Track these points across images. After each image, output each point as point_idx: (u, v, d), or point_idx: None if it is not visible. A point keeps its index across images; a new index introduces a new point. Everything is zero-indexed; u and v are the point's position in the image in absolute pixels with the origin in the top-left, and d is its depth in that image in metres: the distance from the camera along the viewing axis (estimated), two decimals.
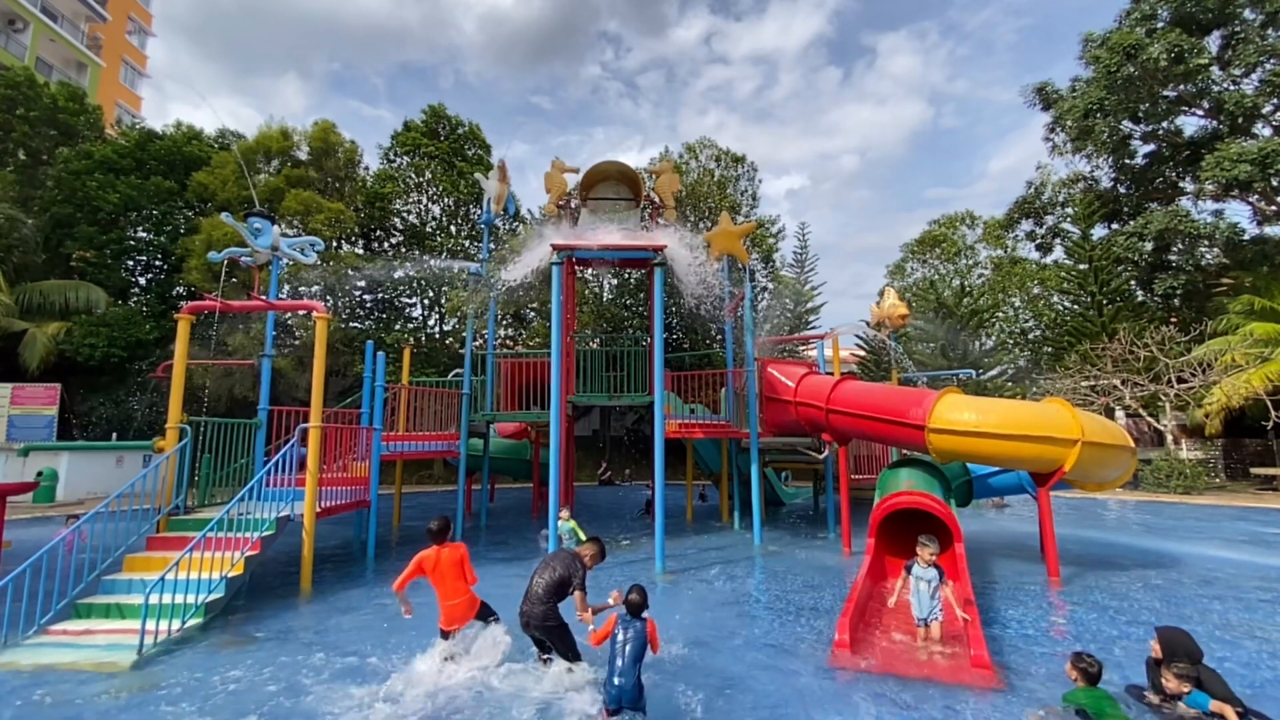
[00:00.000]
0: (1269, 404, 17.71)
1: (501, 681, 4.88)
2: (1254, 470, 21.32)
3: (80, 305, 21.34)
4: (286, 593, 7.66)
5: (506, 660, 5.14)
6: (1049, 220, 30.70)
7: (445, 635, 5.33)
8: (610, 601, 4.77)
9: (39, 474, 16.30)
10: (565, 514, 9.10)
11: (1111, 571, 8.89)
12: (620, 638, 4.23)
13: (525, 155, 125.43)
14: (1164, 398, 20.58)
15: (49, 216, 22.70)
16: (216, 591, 6.57)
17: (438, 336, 25.98)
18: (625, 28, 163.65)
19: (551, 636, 4.91)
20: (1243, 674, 5.07)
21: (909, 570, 5.89)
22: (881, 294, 18.64)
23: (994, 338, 32.83)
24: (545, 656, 5.06)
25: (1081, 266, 25.60)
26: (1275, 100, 22.31)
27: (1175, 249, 24.86)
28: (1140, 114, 25.43)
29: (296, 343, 22.55)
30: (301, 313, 21.03)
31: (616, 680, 4.10)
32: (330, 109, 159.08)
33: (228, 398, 20.44)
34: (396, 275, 24.40)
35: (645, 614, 4.42)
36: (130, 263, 24.59)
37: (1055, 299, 29.78)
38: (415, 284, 25.49)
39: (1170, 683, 4.01)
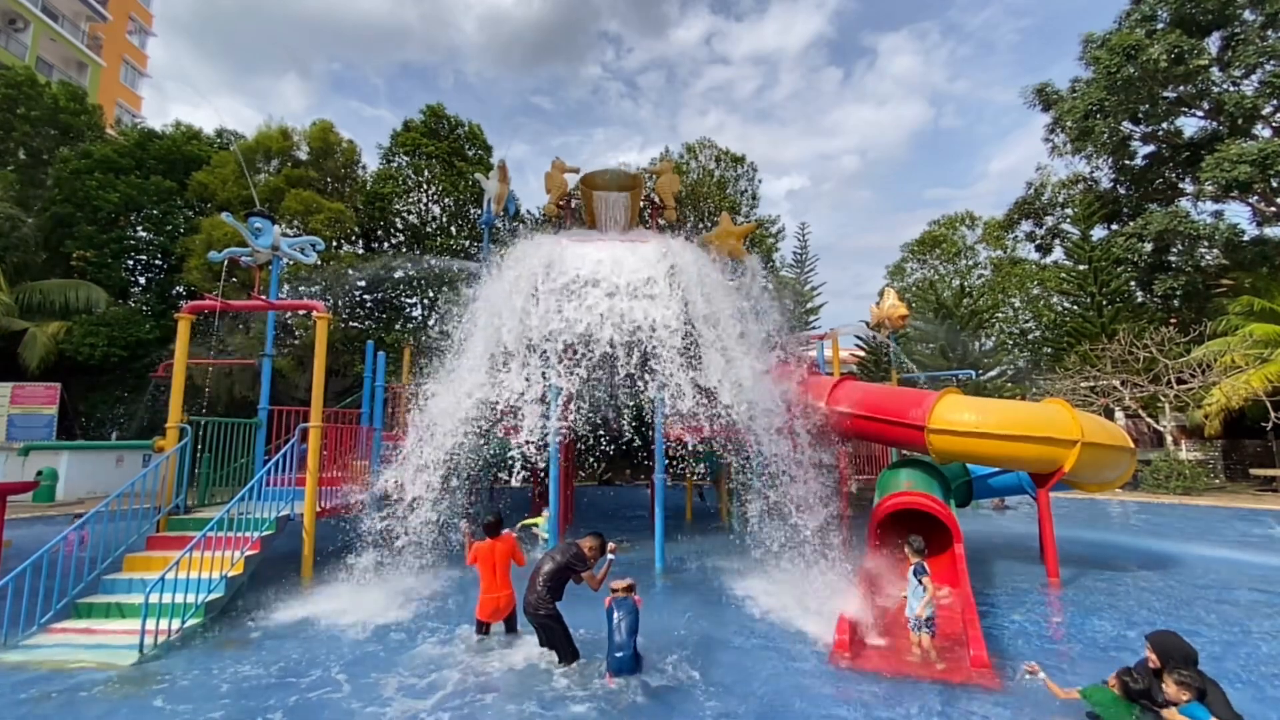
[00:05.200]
0: (1268, 405, 17.70)
1: (516, 676, 4.99)
2: (1253, 471, 21.30)
3: (80, 305, 21.33)
4: (287, 592, 7.66)
5: (527, 660, 5.30)
6: (1049, 221, 30.69)
7: (482, 627, 5.67)
8: (609, 557, 5.49)
9: (39, 473, 16.29)
10: (545, 515, 9.05)
11: (1111, 573, 8.90)
12: (615, 616, 4.79)
13: (525, 155, 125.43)
14: (1163, 399, 20.57)
15: (49, 216, 22.69)
16: (217, 591, 6.57)
17: (437, 336, 25.99)
18: (626, 28, 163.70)
19: (547, 630, 5.11)
20: (1241, 674, 5.08)
21: None
22: (881, 294, 18.64)
23: (994, 338, 32.84)
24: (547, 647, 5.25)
25: (1081, 267, 25.60)
26: (1275, 101, 22.30)
27: (1175, 250, 24.86)
28: (1140, 115, 25.43)
29: (296, 342, 22.55)
30: (301, 312, 21.03)
31: (617, 654, 4.72)
32: (330, 109, 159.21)
33: (228, 397, 20.44)
34: (397, 275, 24.41)
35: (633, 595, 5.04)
36: (130, 262, 24.57)
37: (1055, 300, 29.77)
38: (415, 284, 25.49)
39: (1170, 688, 3.81)
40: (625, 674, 4.74)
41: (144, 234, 24.33)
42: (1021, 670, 4.47)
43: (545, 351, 7.83)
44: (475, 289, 9.18)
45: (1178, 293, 24.13)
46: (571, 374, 7.79)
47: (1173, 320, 23.96)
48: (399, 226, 26.76)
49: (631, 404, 11.00)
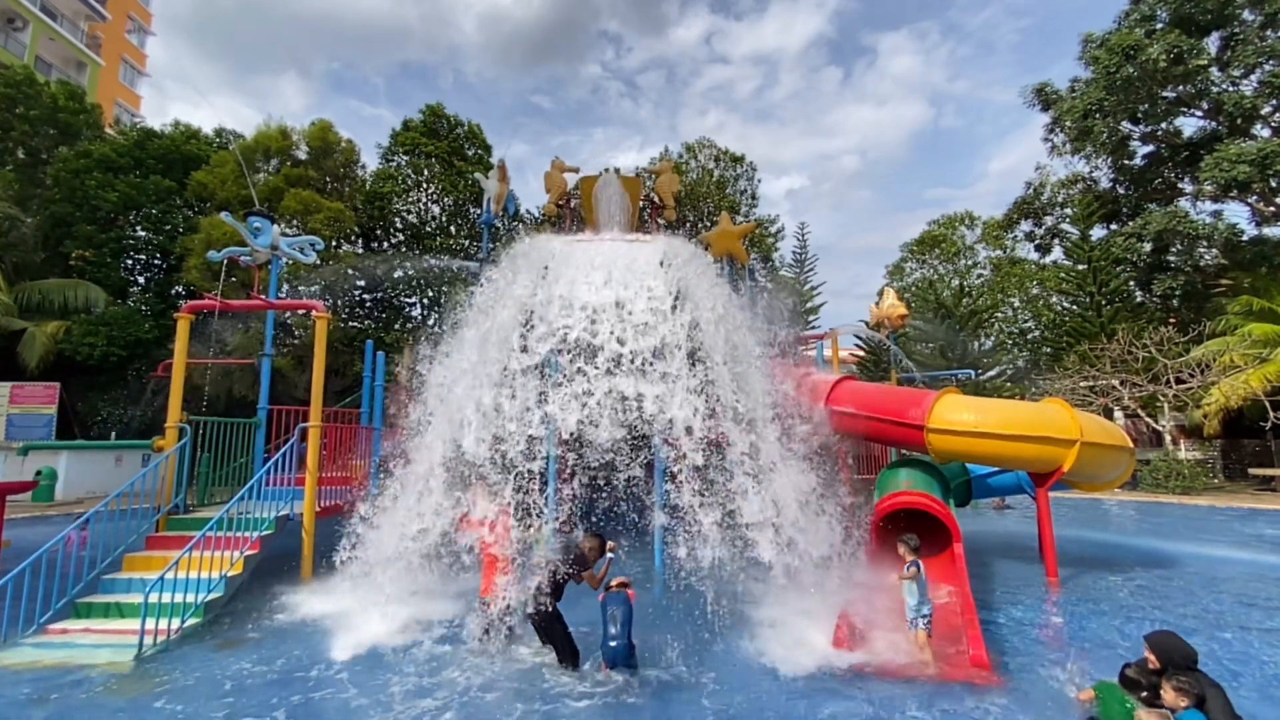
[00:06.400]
0: (1267, 405, 17.72)
1: (518, 674, 5.03)
2: (1252, 471, 21.32)
3: (79, 304, 21.30)
4: (287, 592, 7.65)
5: (529, 658, 5.34)
6: (1048, 221, 30.73)
7: (485, 605, 5.64)
8: (609, 556, 5.50)
9: (38, 473, 16.26)
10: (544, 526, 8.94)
11: (1110, 572, 8.90)
12: (609, 609, 4.91)
13: (525, 155, 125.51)
14: (1162, 398, 20.59)
15: (48, 215, 22.67)
16: (216, 591, 6.57)
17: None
18: (625, 27, 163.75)
19: (548, 629, 5.13)
20: (1242, 674, 5.09)
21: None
22: (881, 294, 18.64)
23: (993, 338, 32.88)
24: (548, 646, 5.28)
25: (1080, 267, 25.63)
26: (1274, 101, 22.33)
27: (1174, 250, 24.88)
28: (1139, 115, 25.45)
29: (296, 342, 22.55)
30: (301, 312, 21.01)
31: (611, 644, 4.82)
32: (330, 108, 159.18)
33: (227, 397, 20.43)
34: (396, 275, 24.41)
35: (628, 589, 5.16)
36: (129, 262, 24.56)
37: (1054, 299, 29.80)
38: (415, 283, 25.49)
39: (1168, 695, 3.71)
40: (620, 665, 4.85)
41: (143, 233, 24.31)
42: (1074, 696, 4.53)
43: (522, 473, 6.09)
44: (437, 350, 7.43)
45: (1177, 292, 24.16)
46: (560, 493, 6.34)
47: (1172, 320, 23.97)
48: (398, 226, 26.75)
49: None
